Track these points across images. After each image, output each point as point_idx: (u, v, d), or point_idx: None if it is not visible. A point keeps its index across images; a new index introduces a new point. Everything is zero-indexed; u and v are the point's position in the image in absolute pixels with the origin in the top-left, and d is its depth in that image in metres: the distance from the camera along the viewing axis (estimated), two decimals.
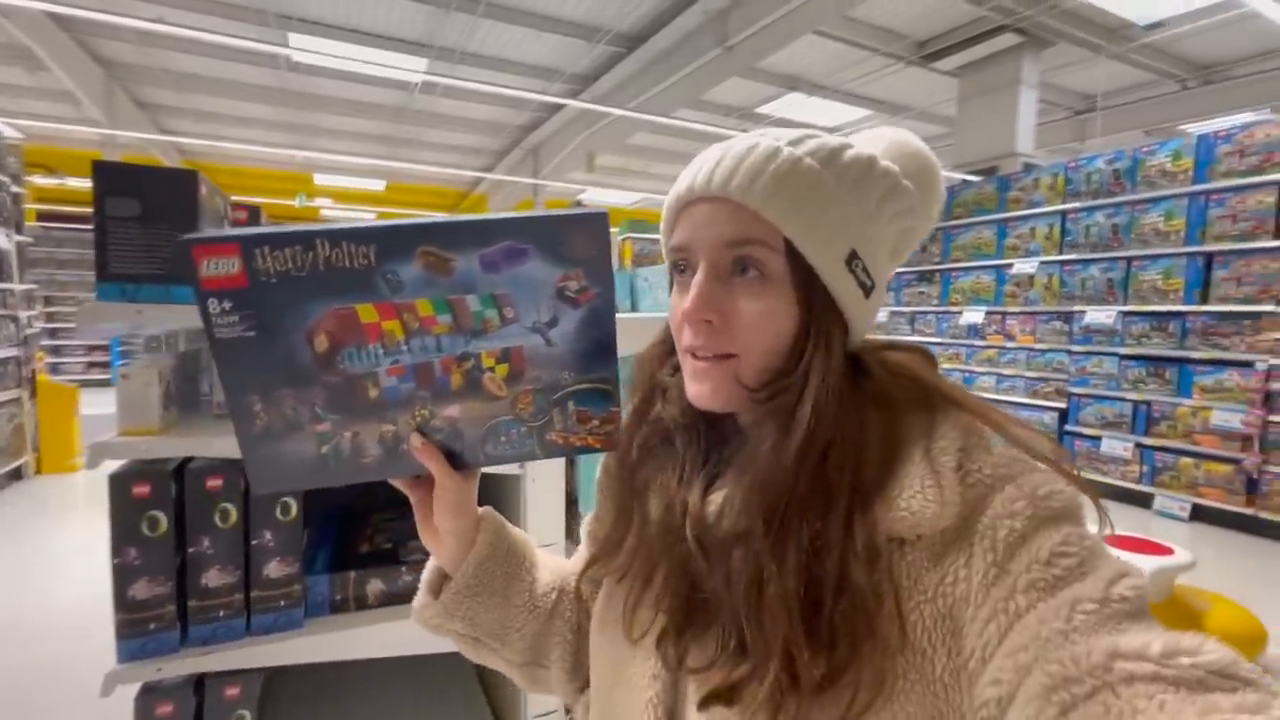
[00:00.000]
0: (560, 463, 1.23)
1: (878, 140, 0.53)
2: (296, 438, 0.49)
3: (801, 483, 0.43)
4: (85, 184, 9.31)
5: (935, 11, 5.86)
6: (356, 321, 0.48)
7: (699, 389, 0.49)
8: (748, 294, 0.46)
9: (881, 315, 6.68)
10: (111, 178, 0.92)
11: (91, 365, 9.34)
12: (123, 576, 0.95)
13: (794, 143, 0.46)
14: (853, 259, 0.46)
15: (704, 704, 0.44)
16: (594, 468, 1.32)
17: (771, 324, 0.46)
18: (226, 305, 0.45)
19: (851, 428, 0.44)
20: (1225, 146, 3.91)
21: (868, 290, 0.47)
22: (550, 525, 1.22)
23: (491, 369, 0.51)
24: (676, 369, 0.54)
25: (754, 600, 0.42)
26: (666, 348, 0.57)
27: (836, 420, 0.44)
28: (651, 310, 1.88)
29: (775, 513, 0.43)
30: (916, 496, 0.41)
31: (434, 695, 1.43)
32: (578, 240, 0.49)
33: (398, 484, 0.55)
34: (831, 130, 7.50)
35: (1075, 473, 0.42)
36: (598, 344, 0.52)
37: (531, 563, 0.63)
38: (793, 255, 0.45)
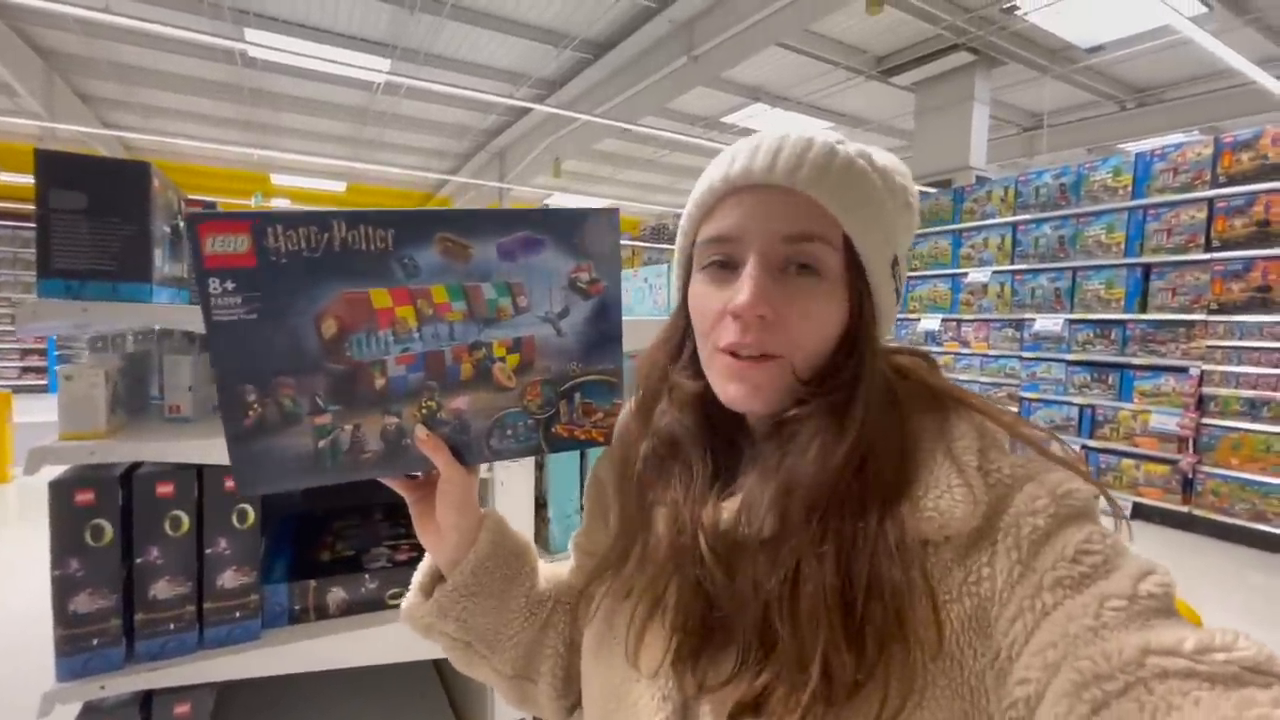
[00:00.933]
0: (529, 466, 1.22)
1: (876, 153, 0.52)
2: (293, 431, 0.47)
3: (845, 483, 0.42)
4: (20, 179, 8.85)
5: (893, 28, 6.06)
6: (369, 306, 0.47)
7: (738, 389, 0.46)
8: (803, 290, 0.45)
9: None
10: (56, 169, 0.87)
11: (26, 370, 8.83)
12: (63, 589, 0.90)
13: (840, 142, 0.46)
14: (895, 264, 0.48)
15: (733, 717, 0.41)
16: (562, 471, 1.31)
17: (824, 324, 0.45)
18: (229, 285, 0.44)
19: (885, 429, 0.44)
20: (1160, 164, 4.14)
21: (899, 296, 0.49)
22: (519, 528, 1.20)
23: (503, 358, 0.51)
24: (691, 372, 0.52)
25: (789, 600, 0.41)
26: (674, 347, 0.54)
27: (877, 423, 0.43)
28: (650, 313, 1.87)
29: (815, 512, 0.42)
30: (944, 496, 0.40)
31: (398, 708, 1.39)
32: (592, 233, 0.51)
33: (392, 484, 0.53)
34: None
35: (1087, 471, 0.42)
36: (605, 335, 0.53)
37: (531, 567, 0.60)
38: (849, 254, 0.45)
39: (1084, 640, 0.33)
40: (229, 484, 0.97)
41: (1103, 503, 0.43)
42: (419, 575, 0.59)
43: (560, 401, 0.53)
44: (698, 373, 0.51)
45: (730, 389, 0.47)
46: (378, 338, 0.47)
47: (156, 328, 1.47)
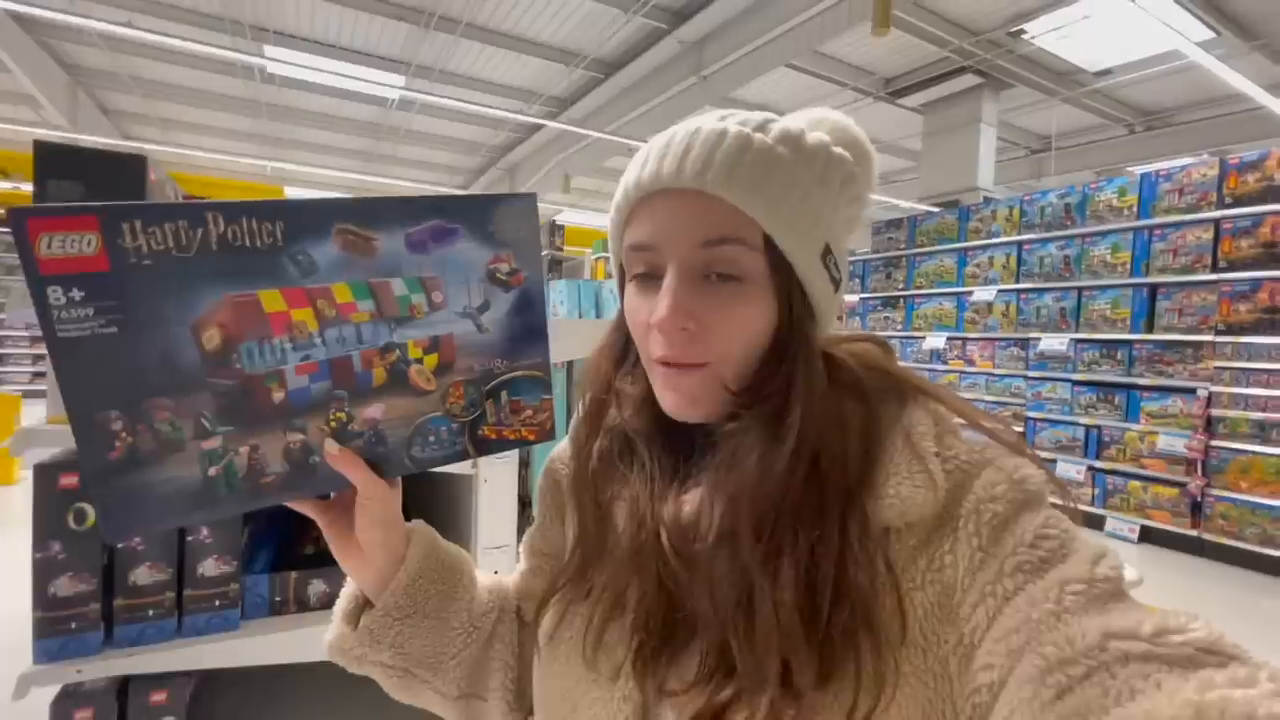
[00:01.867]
0: (514, 463, 1.22)
1: (819, 123, 0.50)
2: (174, 460, 0.41)
3: (793, 491, 0.41)
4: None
5: (901, 50, 6.13)
6: (258, 311, 0.41)
7: (676, 400, 0.45)
8: (725, 297, 0.43)
9: None
10: (54, 159, 0.90)
11: (37, 375, 8.96)
12: (44, 572, 0.91)
13: (760, 128, 0.44)
14: (826, 254, 0.44)
15: None
16: None
17: (750, 329, 0.43)
18: (76, 294, 0.37)
19: (834, 424, 0.42)
20: (1166, 185, 4.13)
21: (837, 284, 0.46)
22: (503, 528, 1.20)
23: (419, 360, 0.47)
24: (634, 377, 0.51)
25: (744, 619, 0.40)
26: (618, 353, 0.53)
27: (822, 422, 0.42)
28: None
29: (765, 523, 0.41)
30: (905, 483, 0.40)
31: (377, 703, 1.38)
32: (508, 220, 0.47)
33: (302, 508, 0.48)
34: None
35: (1037, 456, 0.43)
36: (530, 328, 0.50)
37: (470, 579, 0.56)
38: (772, 253, 0.43)
39: (1046, 625, 0.34)
40: None
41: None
42: (342, 603, 0.54)
43: (486, 401, 0.50)
44: (642, 376, 0.50)
45: (668, 399, 0.46)
46: (272, 346, 0.42)
47: None
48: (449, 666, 0.53)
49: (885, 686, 0.37)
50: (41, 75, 6.77)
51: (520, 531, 1.28)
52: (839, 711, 0.37)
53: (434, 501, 1.41)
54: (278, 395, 0.43)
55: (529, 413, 0.51)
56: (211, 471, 0.42)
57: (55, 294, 0.37)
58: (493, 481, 1.19)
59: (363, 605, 0.53)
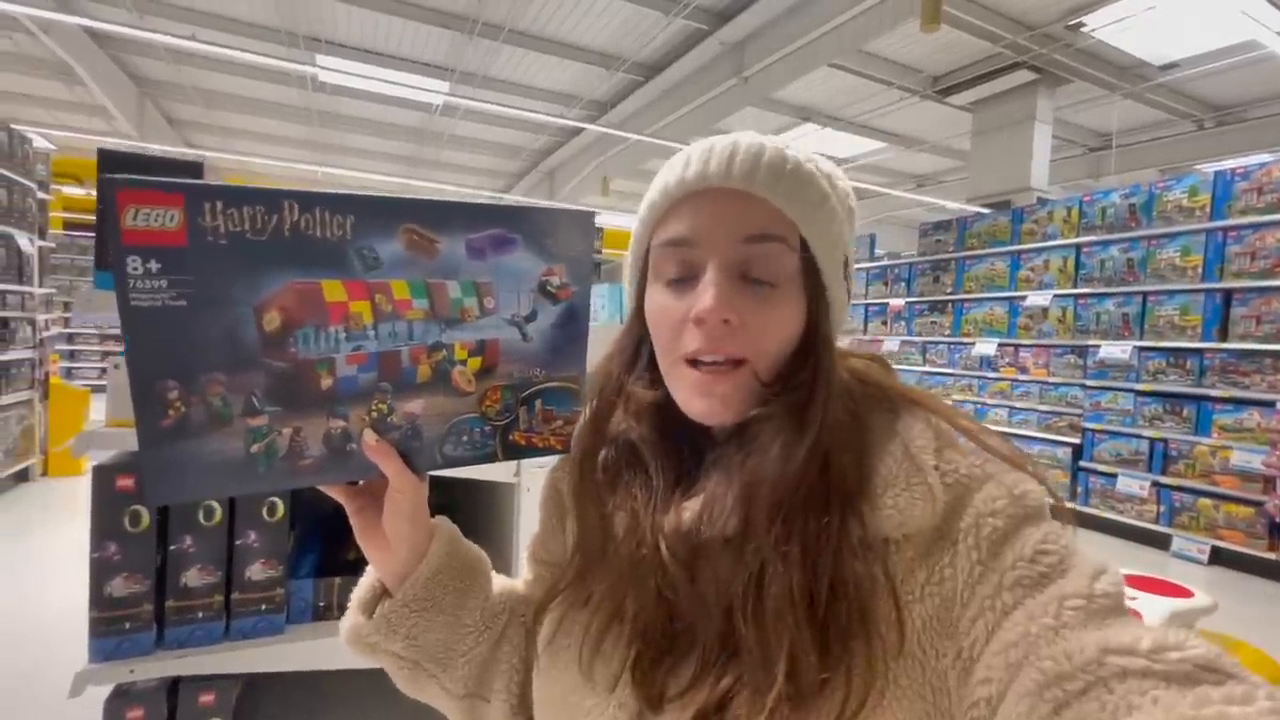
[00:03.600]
0: None
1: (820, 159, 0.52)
2: (221, 434, 0.42)
3: (808, 481, 0.42)
4: None
5: (950, 47, 5.94)
6: (319, 299, 0.43)
7: (705, 404, 0.46)
8: (763, 294, 0.45)
9: (893, 344, 6.64)
10: (116, 165, 0.92)
11: (105, 372, 9.45)
12: (100, 572, 0.93)
13: (788, 148, 0.47)
14: (846, 266, 0.48)
15: None
16: None
17: (785, 326, 0.45)
18: (154, 266, 0.38)
19: (840, 429, 0.44)
20: (1243, 184, 3.88)
21: (850, 297, 0.50)
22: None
23: (464, 362, 0.48)
24: (646, 382, 0.51)
25: (754, 601, 0.41)
26: (630, 356, 0.53)
27: (838, 422, 0.44)
28: None
29: (779, 510, 0.42)
30: (903, 495, 0.41)
31: (419, 710, 1.38)
32: (567, 236, 0.49)
33: (333, 492, 0.50)
34: (842, 162, 7.59)
35: (1040, 472, 0.43)
36: (572, 341, 0.51)
37: (486, 579, 0.58)
38: (806, 255, 0.45)
39: (1045, 640, 0.34)
40: None
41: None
42: (359, 592, 0.56)
43: (520, 408, 0.51)
44: (654, 382, 0.50)
45: (696, 404, 0.46)
46: (327, 334, 0.43)
47: None
48: (458, 664, 0.54)
49: (876, 687, 0.38)
50: (113, 87, 7.16)
51: None
52: (833, 706, 0.38)
53: (476, 508, 1.41)
54: (326, 382, 0.44)
55: (559, 423, 0.53)
56: (254, 449, 0.43)
57: (134, 264, 0.38)
58: (535, 490, 1.17)
59: (380, 595, 0.54)
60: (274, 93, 7.88)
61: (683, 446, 0.50)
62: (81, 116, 8.72)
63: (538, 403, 0.51)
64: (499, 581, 0.60)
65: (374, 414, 0.46)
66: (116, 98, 7.27)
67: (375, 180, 10.58)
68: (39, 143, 4.57)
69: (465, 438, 0.50)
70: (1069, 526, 0.41)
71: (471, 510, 1.48)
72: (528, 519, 1.17)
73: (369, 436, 0.46)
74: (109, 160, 0.92)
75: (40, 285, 4.65)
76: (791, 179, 0.45)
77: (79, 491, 4.46)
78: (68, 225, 9.46)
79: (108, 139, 7.77)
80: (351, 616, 0.55)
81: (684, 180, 0.46)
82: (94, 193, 9.59)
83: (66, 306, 8.62)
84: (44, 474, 4.70)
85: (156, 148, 8.06)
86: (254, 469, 0.43)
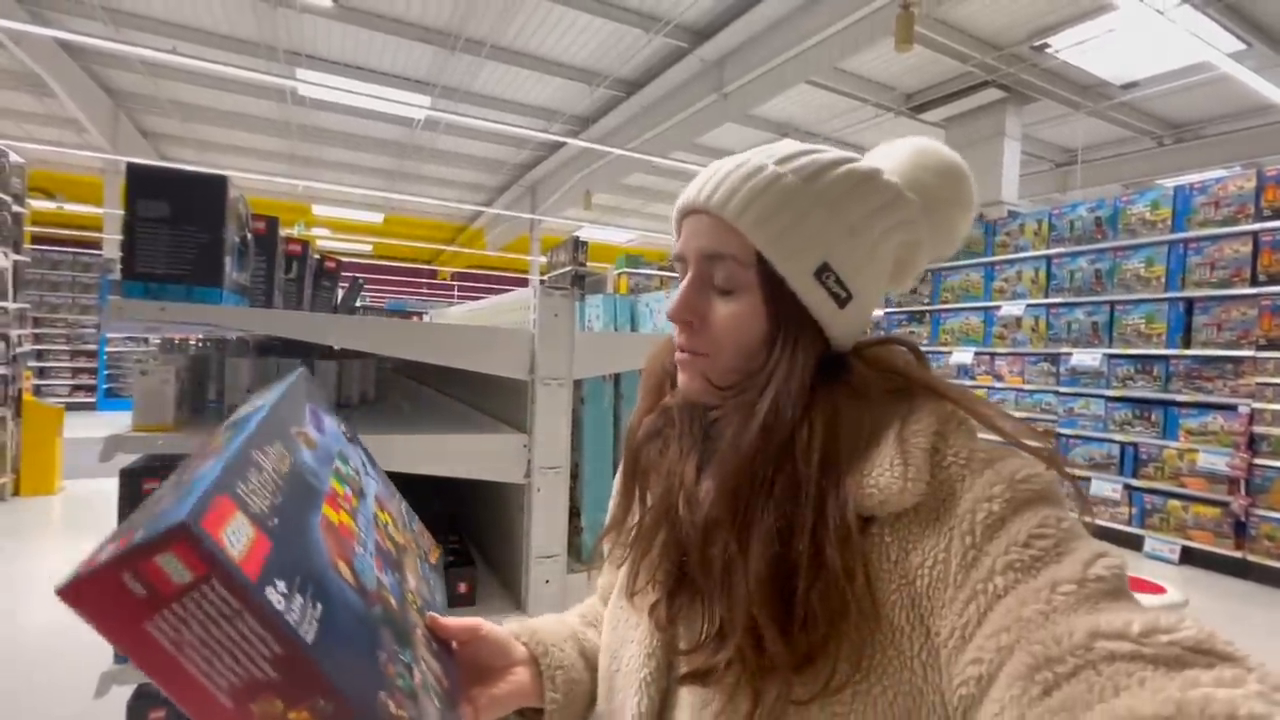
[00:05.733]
0: (565, 474, 1.24)
1: (899, 150, 0.55)
2: (418, 705, 0.39)
3: (761, 472, 0.45)
4: (83, 209, 9.40)
5: (922, 66, 6.15)
6: (333, 525, 0.42)
7: (682, 379, 0.53)
8: (721, 301, 0.50)
9: None
10: (144, 180, 0.95)
11: (77, 388, 9.20)
12: None
13: (783, 160, 0.49)
14: (823, 271, 0.48)
15: (682, 680, 0.47)
16: (596, 482, 1.32)
17: (739, 329, 0.49)
18: (281, 589, 0.32)
19: (823, 418, 0.46)
20: (1201, 198, 4.08)
21: (842, 300, 0.48)
22: (554, 536, 1.21)
23: (389, 523, 0.53)
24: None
25: (726, 585, 0.45)
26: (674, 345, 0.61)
27: (802, 414, 0.46)
28: (651, 333, 1.93)
29: (739, 501, 0.45)
30: (885, 474, 0.43)
31: None
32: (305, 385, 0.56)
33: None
34: None
35: (1056, 458, 0.44)
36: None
37: (590, 665, 0.62)
38: (763, 266, 0.48)
39: (1036, 624, 0.35)
40: None
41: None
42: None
43: (417, 537, 0.59)
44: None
45: (681, 379, 0.54)
46: (357, 554, 0.42)
47: (218, 336, 1.55)
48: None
49: (861, 661, 0.40)
50: (86, 100, 7.05)
51: (570, 542, 1.29)
52: (817, 681, 0.40)
53: (487, 508, 1.43)
54: (392, 599, 0.44)
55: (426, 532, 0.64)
56: (436, 704, 0.42)
57: (276, 599, 0.31)
58: (545, 490, 1.21)
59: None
60: (252, 106, 7.83)
61: (705, 417, 0.56)
62: (52, 129, 8.57)
63: (415, 521, 0.61)
64: (585, 624, 0.67)
65: (416, 604, 0.49)
66: (90, 110, 7.16)
67: (356, 194, 10.52)
68: (14, 157, 4.48)
69: (430, 583, 0.55)
70: (1082, 511, 0.43)
71: (483, 510, 1.50)
72: (539, 520, 1.20)
73: (432, 618, 0.50)
74: (136, 174, 0.94)
75: (14, 301, 4.55)
76: (748, 194, 0.48)
77: (51, 511, 4.33)
78: (35, 239, 9.25)
79: (81, 151, 7.64)
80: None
81: (679, 204, 0.53)
82: (65, 206, 9.36)
83: (38, 322, 8.39)
84: (15, 493, 4.56)
85: (129, 162, 7.94)
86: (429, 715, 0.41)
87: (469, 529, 1.52)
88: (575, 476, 1.30)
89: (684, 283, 0.52)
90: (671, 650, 0.50)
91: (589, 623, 0.67)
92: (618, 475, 0.65)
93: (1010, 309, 5.21)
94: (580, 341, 1.22)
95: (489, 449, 1.17)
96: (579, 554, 1.29)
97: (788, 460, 0.45)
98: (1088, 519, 0.44)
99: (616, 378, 1.37)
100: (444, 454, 1.13)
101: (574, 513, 1.30)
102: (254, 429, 0.39)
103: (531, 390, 1.19)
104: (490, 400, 1.43)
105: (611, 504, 0.68)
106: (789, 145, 0.51)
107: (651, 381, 0.60)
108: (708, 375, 0.51)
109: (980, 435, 0.46)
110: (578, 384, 1.27)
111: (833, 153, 0.51)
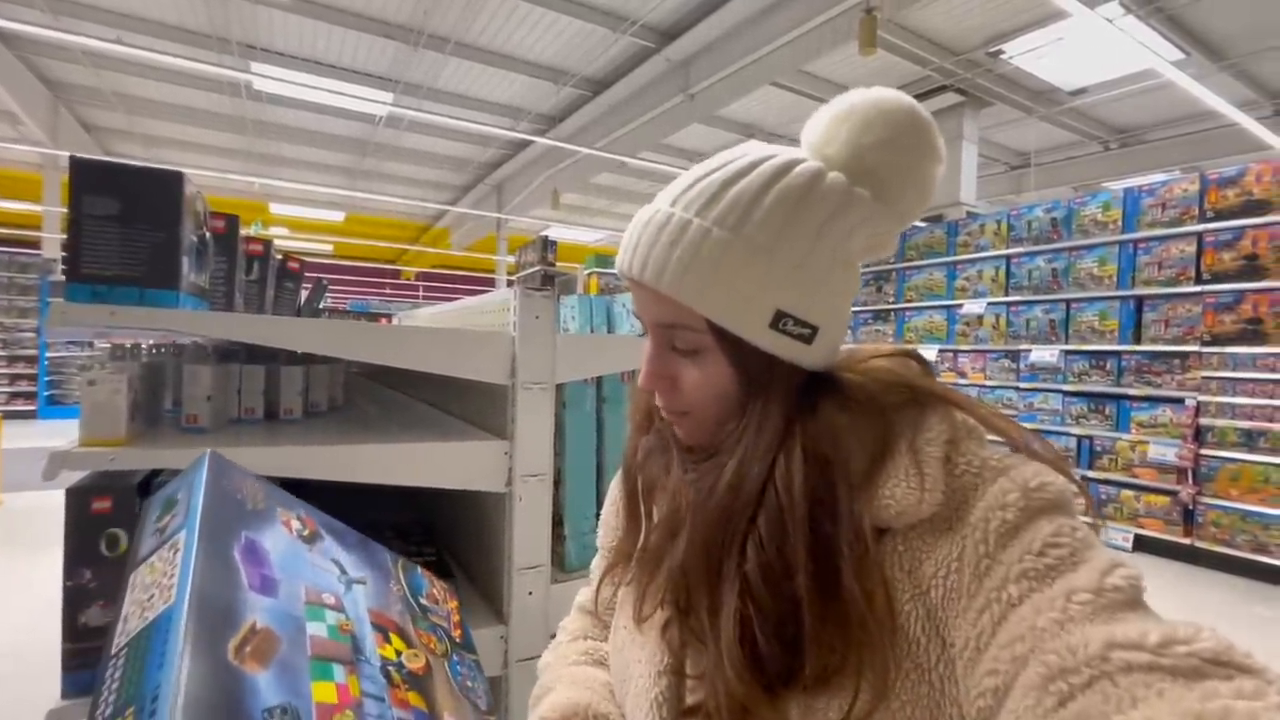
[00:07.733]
0: (548, 482, 1.20)
1: (845, 118, 0.48)
2: None
3: (735, 524, 0.45)
4: (17, 206, 8.88)
5: (884, 70, 6.27)
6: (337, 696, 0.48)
7: (681, 435, 0.53)
8: (686, 365, 0.49)
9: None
10: (91, 175, 0.88)
11: (15, 395, 8.69)
12: (74, 601, 0.87)
13: (704, 208, 0.45)
14: (780, 319, 0.45)
15: (685, 714, 0.47)
16: (579, 490, 1.29)
17: (711, 389, 0.49)
18: None
19: (809, 443, 0.44)
20: (1149, 200, 4.25)
21: (808, 338, 0.46)
22: (537, 546, 1.18)
23: (402, 652, 0.57)
24: None
25: (712, 631, 0.45)
26: None
27: (778, 451, 0.45)
28: (630, 334, 1.90)
29: (711, 554, 0.45)
30: (900, 485, 0.42)
31: None
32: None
33: None
34: None
35: (1065, 466, 0.43)
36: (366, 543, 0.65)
37: None
38: (716, 329, 0.46)
39: (1050, 634, 0.34)
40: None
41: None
42: None
43: (420, 623, 0.63)
44: None
45: (676, 430, 0.53)
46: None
47: (174, 340, 1.46)
48: None
49: (888, 683, 0.39)
50: (22, 91, 6.66)
51: (554, 551, 1.26)
52: (840, 706, 0.39)
53: (469, 518, 1.38)
54: None
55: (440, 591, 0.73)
56: None
57: None
58: (526, 500, 1.17)
59: None
60: (204, 100, 7.52)
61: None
62: None
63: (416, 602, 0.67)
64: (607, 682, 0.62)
65: None
66: (26, 102, 6.77)
67: (316, 193, 10.22)
68: None
69: (462, 673, 0.62)
70: (1096, 521, 0.42)
71: (461, 519, 1.46)
72: (521, 530, 1.16)
73: None
74: (81, 168, 0.87)
75: None
76: (679, 264, 0.44)
77: None
78: None
79: (17, 146, 7.22)
80: None
81: (618, 267, 0.51)
82: (0, 203, 8.82)
83: None
84: None
85: (69, 156, 7.54)
86: None
87: (447, 539, 1.47)
88: (558, 483, 1.27)
89: (647, 349, 0.51)
90: (682, 672, 0.49)
91: (597, 661, 0.63)
92: (614, 498, 0.63)
93: (972, 307, 5.35)
94: (561, 344, 1.19)
95: (467, 457, 1.13)
96: (562, 564, 1.26)
97: (767, 502, 0.44)
98: (1098, 525, 0.43)
99: (599, 381, 1.34)
100: (419, 463, 1.08)
101: (557, 521, 1.27)
102: (183, 625, 0.38)
103: (513, 395, 1.15)
104: (466, 405, 1.39)
105: (602, 527, 0.66)
106: (708, 182, 0.46)
107: (638, 417, 0.59)
108: (700, 429, 0.51)
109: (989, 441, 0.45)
110: (559, 388, 1.24)
111: (758, 171, 0.45)
